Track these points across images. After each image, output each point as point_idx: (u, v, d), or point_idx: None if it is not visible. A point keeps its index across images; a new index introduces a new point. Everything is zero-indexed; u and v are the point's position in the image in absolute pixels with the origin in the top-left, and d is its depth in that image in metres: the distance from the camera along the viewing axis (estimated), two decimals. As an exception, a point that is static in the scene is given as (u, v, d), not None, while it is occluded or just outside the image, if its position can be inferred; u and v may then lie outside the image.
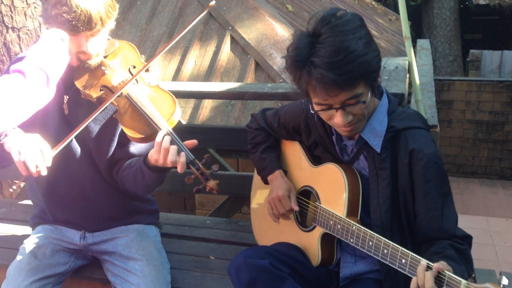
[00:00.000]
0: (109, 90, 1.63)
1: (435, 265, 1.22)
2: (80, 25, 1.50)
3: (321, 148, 1.68)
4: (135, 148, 1.80)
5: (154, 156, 1.55)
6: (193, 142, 1.57)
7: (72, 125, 1.71)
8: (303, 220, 1.76)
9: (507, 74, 6.25)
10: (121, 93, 1.60)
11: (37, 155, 1.46)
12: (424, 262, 1.26)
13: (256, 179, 2.00)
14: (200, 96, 3.10)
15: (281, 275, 1.53)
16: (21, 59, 1.57)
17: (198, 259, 2.14)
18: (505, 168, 6.11)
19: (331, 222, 1.57)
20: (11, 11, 2.65)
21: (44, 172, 1.48)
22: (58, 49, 1.49)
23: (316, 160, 1.74)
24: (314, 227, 1.68)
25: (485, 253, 4.02)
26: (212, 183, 1.58)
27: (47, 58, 1.45)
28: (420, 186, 1.45)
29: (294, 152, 1.84)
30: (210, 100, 3.60)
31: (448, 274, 1.20)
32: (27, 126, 1.54)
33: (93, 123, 1.74)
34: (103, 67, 1.64)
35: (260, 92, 2.42)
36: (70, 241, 1.91)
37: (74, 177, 1.81)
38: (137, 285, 1.75)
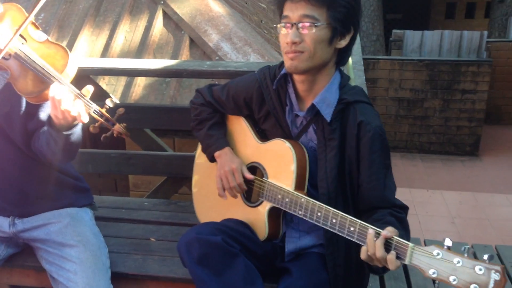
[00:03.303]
0: None
1: (382, 233, 1.26)
2: None
3: (271, 121, 1.70)
4: (45, 114, 1.69)
5: (52, 113, 1.49)
6: (88, 88, 1.51)
7: None
8: (249, 196, 1.77)
9: (426, 54, 6.58)
10: (10, 54, 1.49)
11: None
12: (372, 230, 1.30)
13: (199, 158, 1.97)
14: (135, 73, 2.99)
15: (233, 251, 1.54)
16: None
17: (138, 242, 2.09)
18: (424, 142, 6.49)
19: (279, 196, 1.59)
20: None
21: None
22: None
23: (263, 136, 1.76)
24: (261, 202, 1.69)
25: (409, 222, 4.28)
26: (118, 127, 1.57)
27: None
28: (366, 156, 1.51)
29: (240, 128, 1.83)
30: (143, 78, 3.48)
31: (396, 239, 1.25)
32: None
33: None
34: None
35: (199, 70, 2.36)
36: (-1, 229, 1.79)
37: None
38: (75, 272, 1.68)
